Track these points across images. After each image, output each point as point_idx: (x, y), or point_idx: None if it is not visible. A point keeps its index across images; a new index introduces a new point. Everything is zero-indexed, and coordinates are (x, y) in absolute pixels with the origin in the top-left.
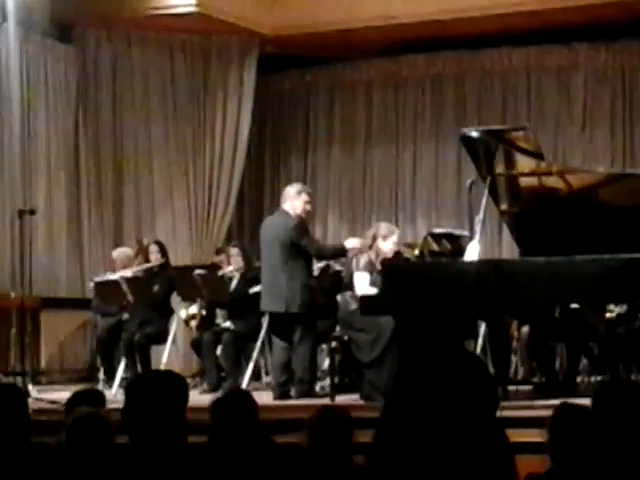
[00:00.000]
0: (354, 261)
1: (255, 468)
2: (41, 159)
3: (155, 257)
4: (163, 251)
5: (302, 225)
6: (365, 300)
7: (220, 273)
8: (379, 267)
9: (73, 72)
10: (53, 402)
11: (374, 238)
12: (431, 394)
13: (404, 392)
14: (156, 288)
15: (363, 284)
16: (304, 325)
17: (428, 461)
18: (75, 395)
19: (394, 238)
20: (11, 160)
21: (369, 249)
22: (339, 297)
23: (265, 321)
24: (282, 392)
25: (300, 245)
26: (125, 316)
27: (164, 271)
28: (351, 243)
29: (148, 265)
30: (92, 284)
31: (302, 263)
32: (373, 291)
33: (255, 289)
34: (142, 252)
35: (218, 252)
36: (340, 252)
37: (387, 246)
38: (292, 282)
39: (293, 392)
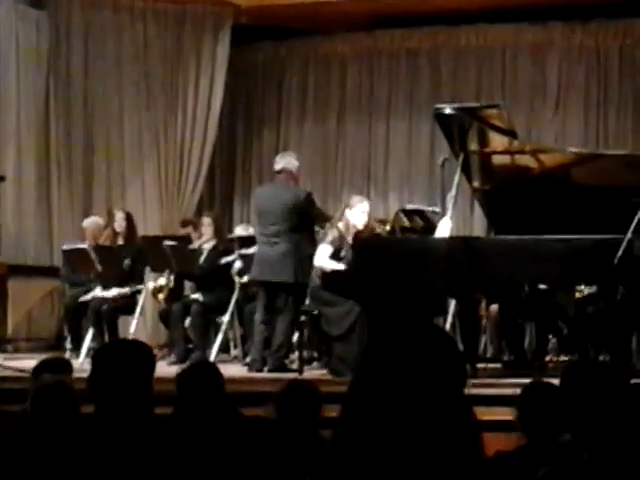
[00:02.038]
0: (322, 234)
1: (221, 440)
2: (11, 125)
3: (119, 225)
4: (129, 220)
5: (312, 196)
6: (335, 275)
7: (191, 247)
8: (349, 239)
9: (45, 38)
10: (20, 370)
11: (343, 210)
12: (399, 370)
13: (371, 367)
14: (127, 262)
15: (322, 256)
16: (297, 297)
17: (394, 438)
18: (42, 363)
19: (363, 208)
20: None
21: (339, 221)
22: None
23: (235, 293)
24: (262, 366)
25: (310, 215)
26: (94, 285)
27: (132, 242)
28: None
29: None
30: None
31: (307, 234)
32: (329, 264)
33: (225, 260)
34: (112, 223)
35: (184, 224)
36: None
37: (354, 216)
38: (302, 253)
39: (267, 364)
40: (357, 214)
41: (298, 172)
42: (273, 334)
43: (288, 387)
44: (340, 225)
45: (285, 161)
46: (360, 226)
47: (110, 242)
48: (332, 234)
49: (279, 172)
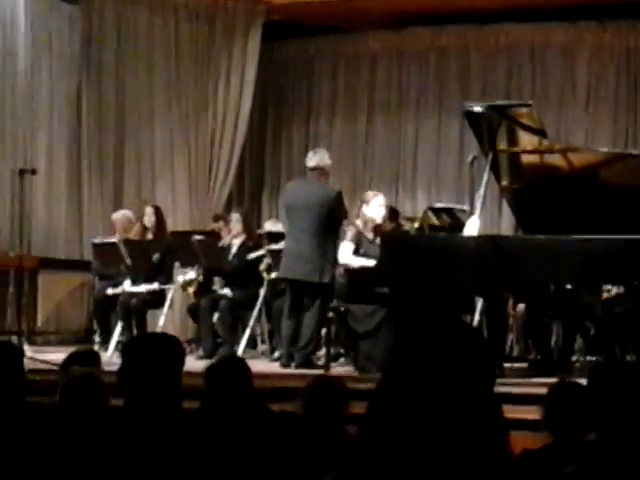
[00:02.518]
0: (342, 232)
1: (248, 434)
2: (43, 119)
3: (149, 219)
4: (159, 215)
5: (342, 195)
6: (360, 273)
7: (220, 244)
8: (369, 235)
9: (77, 33)
10: (50, 362)
11: (359, 206)
12: (429, 366)
13: (401, 363)
14: (156, 257)
15: (346, 253)
16: (324, 295)
17: (421, 434)
18: (71, 355)
19: (378, 201)
20: (14, 118)
21: (356, 219)
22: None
23: (263, 289)
24: (289, 362)
25: (336, 215)
26: (122, 279)
27: (161, 237)
28: None
29: (145, 238)
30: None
31: (335, 233)
32: (356, 261)
33: (253, 255)
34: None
35: (216, 219)
36: None
37: (372, 211)
38: (327, 252)
39: (294, 360)
40: (375, 208)
41: (329, 169)
42: (300, 330)
43: (315, 383)
44: (358, 222)
45: (319, 158)
46: (379, 220)
47: (139, 237)
48: (351, 231)
49: (313, 169)
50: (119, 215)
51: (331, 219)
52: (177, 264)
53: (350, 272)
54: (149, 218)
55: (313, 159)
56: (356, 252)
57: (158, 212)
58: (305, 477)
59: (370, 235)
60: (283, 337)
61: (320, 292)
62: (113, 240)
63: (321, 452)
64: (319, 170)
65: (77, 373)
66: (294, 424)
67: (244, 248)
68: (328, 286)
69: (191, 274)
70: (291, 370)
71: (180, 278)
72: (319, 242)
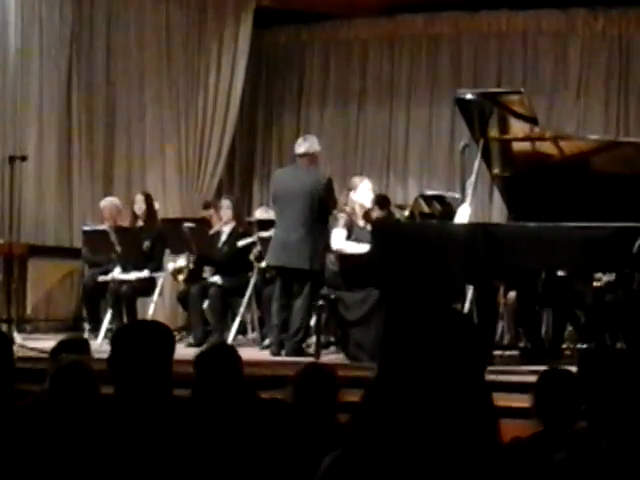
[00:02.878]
0: (333, 219)
1: (238, 422)
2: (33, 105)
3: (139, 207)
4: (149, 203)
5: (332, 183)
6: (352, 259)
7: (211, 232)
8: (359, 222)
9: (68, 18)
10: (39, 350)
11: (347, 194)
12: (419, 354)
13: (392, 352)
14: (146, 244)
15: (339, 239)
16: (313, 282)
17: (414, 421)
18: (60, 343)
19: (366, 185)
20: (3, 103)
21: (345, 206)
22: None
23: (253, 276)
24: (279, 350)
25: (325, 202)
26: (112, 266)
27: (151, 224)
28: None
29: (135, 225)
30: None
31: (325, 221)
32: (349, 246)
33: (243, 242)
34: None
35: (206, 206)
36: None
37: (360, 196)
38: (317, 239)
39: (285, 348)
40: (363, 193)
41: (319, 155)
42: (290, 318)
43: (306, 371)
44: (347, 209)
45: (308, 144)
46: (369, 204)
47: (130, 224)
48: (342, 218)
49: (302, 156)
50: (107, 202)
51: (321, 207)
52: (167, 251)
53: (342, 258)
54: (139, 206)
55: (303, 145)
56: (347, 238)
57: (148, 199)
58: (296, 465)
59: (361, 222)
60: (273, 325)
61: (310, 279)
62: (103, 227)
63: (312, 440)
64: (309, 156)
65: (67, 361)
66: (284, 412)
67: (234, 235)
68: (318, 273)
69: (181, 261)
70: (281, 358)
71: (170, 266)
72: (309, 230)
